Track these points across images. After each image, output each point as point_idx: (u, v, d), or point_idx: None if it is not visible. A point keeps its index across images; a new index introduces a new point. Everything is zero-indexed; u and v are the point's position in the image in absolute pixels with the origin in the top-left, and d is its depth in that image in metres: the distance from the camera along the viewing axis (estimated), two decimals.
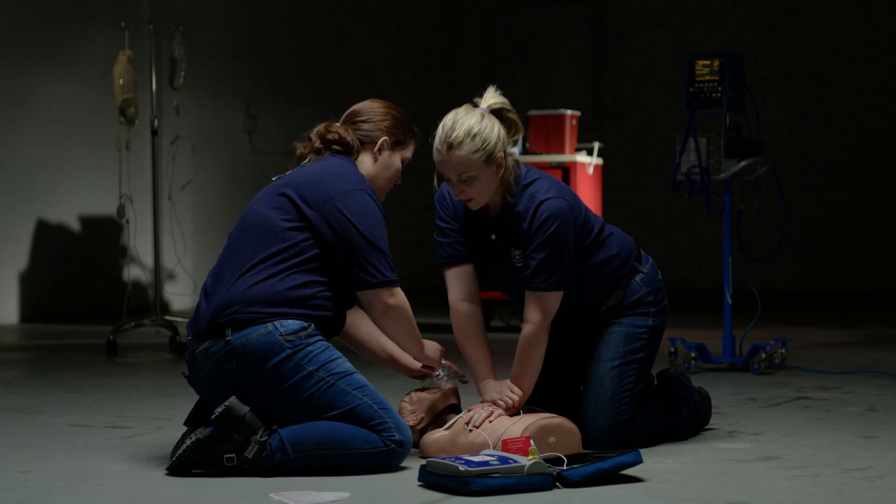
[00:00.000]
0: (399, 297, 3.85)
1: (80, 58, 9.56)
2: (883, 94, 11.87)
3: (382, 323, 3.90)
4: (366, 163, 3.97)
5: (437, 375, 4.10)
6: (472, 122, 3.85)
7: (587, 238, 4.03)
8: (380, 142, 3.97)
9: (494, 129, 3.87)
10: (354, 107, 4.05)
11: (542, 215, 3.88)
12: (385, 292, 3.82)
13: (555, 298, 3.94)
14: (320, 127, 3.99)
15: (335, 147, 3.95)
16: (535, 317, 3.93)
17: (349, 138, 3.95)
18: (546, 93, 12.54)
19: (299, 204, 3.78)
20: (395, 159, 4.00)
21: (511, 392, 3.95)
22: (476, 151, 3.83)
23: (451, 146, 3.83)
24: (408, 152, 4.04)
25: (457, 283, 4.04)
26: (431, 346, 4.07)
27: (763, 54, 12.04)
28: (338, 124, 4.00)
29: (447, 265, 4.05)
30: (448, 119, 3.88)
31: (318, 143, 3.96)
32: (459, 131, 3.83)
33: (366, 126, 3.98)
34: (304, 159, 3.98)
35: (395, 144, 4.00)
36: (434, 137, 3.88)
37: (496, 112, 3.92)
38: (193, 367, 3.79)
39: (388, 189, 4.05)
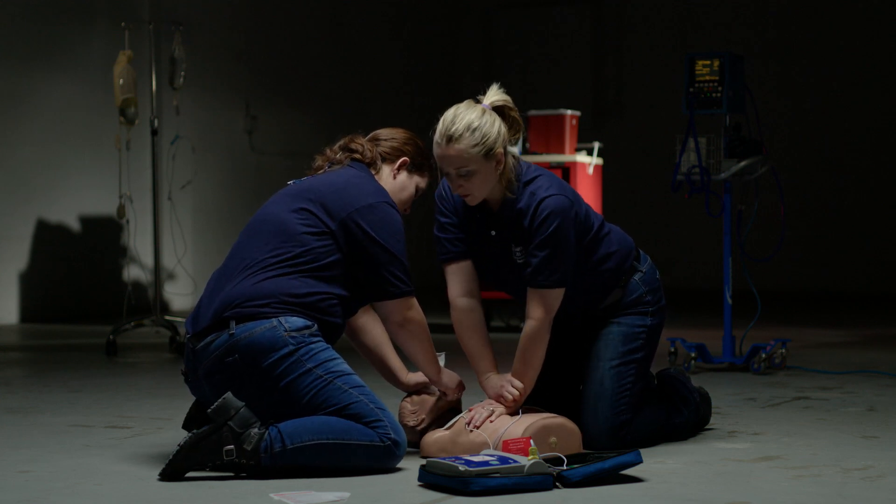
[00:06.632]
0: (417, 310, 3.90)
1: (80, 58, 9.56)
2: (883, 95, 11.87)
3: (399, 335, 3.92)
4: (385, 178, 4.02)
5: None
6: (473, 117, 3.84)
7: (587, 235, 4.03)
8: (400, 160, 4.03)
9: (495, 125, 3.87)
10: (377, 130, 4.11)
11: (542, 212, 3.88)
12: (404, 303, 3.85)
13: (557, 295, 3.94)
14: (344, 139, 4.05)
15: (356, 156, 3.99)
16: (538, 313, 3.93)
17: (372, 151, 4.01)
18: (546, 93, 12.54)
19: (321, 215, 3.81)
20: (412, 183, 4.06)
21: (512, 387, 3.95)
22: (475, 145, 3.83)
23: (450, 139, 3.83)
24: (423, 182, 4.09)
25: (456, 278, 4.04)
26: (452, 376, 4.09)
27: (763, 54, 12.04)
28: (363, 138, 4.05)
29: (447, 261, 4.05)
30: (449, 113, 3.88)
31: (338, 155, 4.01)
32: (460, 125, 3.83)
33: (388, 144, 4.05)
34: (321, 170, 4.01)
35: (414, 167, 4.06)
36: (435, 131, 3.88)
37: (498, 109, 3.92)
38: (192, 365, 3.79)
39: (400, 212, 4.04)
